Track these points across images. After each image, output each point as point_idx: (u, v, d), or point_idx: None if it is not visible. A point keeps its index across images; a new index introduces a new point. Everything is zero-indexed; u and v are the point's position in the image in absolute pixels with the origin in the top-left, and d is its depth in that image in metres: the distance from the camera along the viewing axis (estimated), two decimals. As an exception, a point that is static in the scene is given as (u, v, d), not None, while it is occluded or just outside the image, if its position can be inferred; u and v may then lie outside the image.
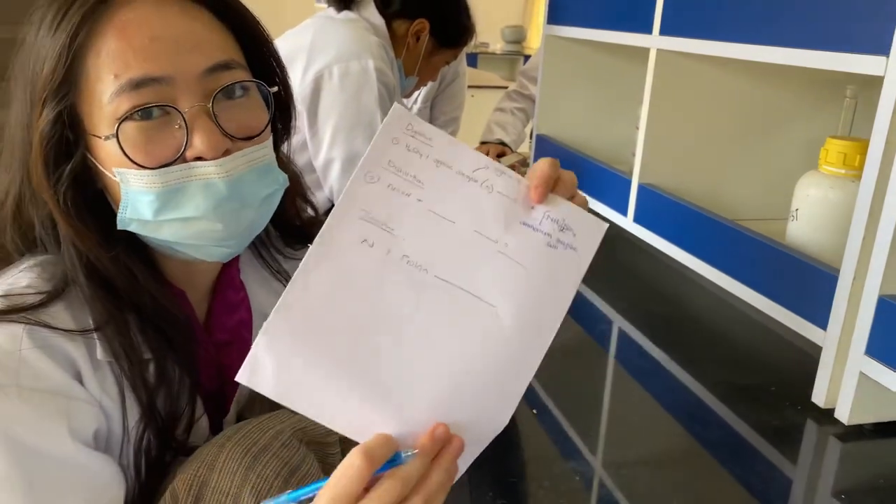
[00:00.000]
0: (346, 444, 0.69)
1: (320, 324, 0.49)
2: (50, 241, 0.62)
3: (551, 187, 0.56)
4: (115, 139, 0.57)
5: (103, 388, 0.60)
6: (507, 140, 2.03)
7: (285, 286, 0.74)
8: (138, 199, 0.60)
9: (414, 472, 0.48)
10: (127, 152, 0.57)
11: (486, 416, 0.51)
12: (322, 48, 1.44)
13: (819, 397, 0.89)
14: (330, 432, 0.66)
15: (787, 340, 1.09)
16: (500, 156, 1.95)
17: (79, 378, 0.59)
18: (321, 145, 1.46)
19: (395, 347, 0.50)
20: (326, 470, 0.66)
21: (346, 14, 1.51)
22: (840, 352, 0.86)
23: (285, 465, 0.60)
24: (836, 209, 1.01)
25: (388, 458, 0.47)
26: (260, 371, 0.48)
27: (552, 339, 0.53)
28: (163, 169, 0.58)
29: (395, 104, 0.55)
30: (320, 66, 1.42)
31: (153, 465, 0.64)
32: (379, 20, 1.51)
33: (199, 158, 0.59)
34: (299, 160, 1.51)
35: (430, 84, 1.88)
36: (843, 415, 0.86)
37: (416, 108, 2.08)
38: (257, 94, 0.64)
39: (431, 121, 2.13)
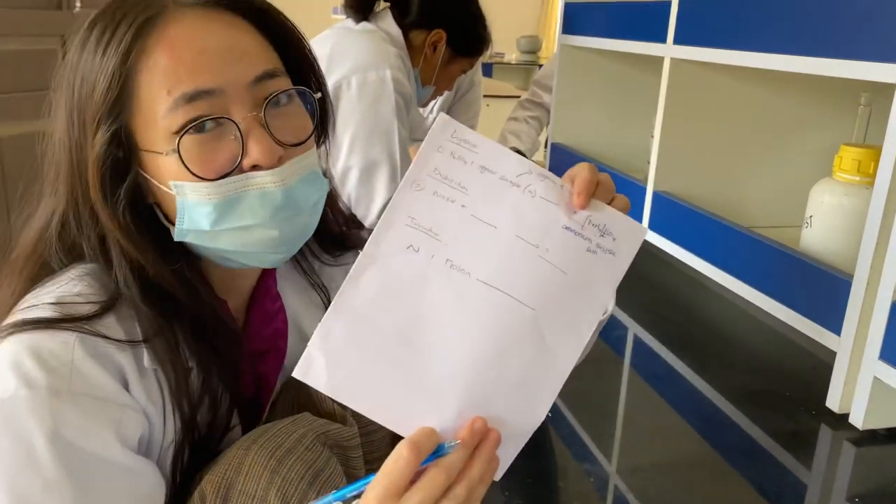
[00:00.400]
0: (368, 449, 0.70)
1: (369, 324, 0.52)
2: (97, 260, 0.63)
3: (593, 192, 0.57)
4: (176, 153, 0.58)
5: (148, 396, 0.61)
6: (521, 148, 2.05)
7: (320, 296, 0.75)
8: (195, 211, 0.61)
9: (457, 461, 0.50)
10: (187, 165, 0.58)
11: (522, 412, 0.53)
12: (341, 59, 1.46)
13: (833, 402, 0.90)
14: (352, 437, 0.67)
15: (800, 346, 1.10)
16: (515, 164, 1.96)
17: (126, 385, 0.60)
18: (339, 154, 1.48)
19: (437, 346, 0.52)
20: (349, 473, 0.66)
21: (364, 25, 1.54)
22: (854, 357, 0.86)
23: (310, 468, 0.61)
24: (851, 216, 1.02)
25: (432, 451, 0.49)
26: (314, 367, 0.52)
27: (585, 342, 0.54)
28: (221, 180, 0.60)
29: (441, 114, 0.57)
30: (339, 76, 1.44)
31: (187, 470, 0.65)
32: (396, 31, 1.53)
33: (254, 167, 0.60)
34: (317, 168, 1.53)
35: (445, 93, 1.90)
36: (858, 420, 0.86)
37: (431, 117, 2.10)
38: (300, 102, 0.65)
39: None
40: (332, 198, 0.77)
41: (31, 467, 0.54)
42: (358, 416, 0.71)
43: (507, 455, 0.53)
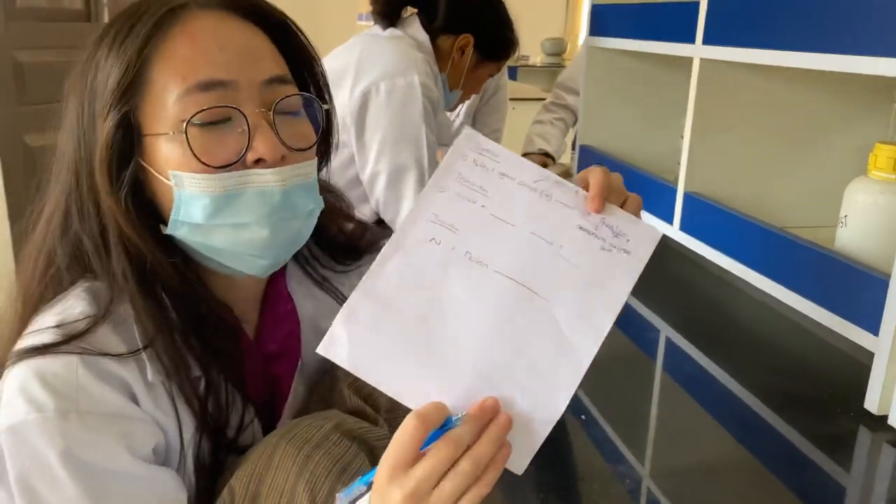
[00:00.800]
0: None
1: (392, 306, 0.56)
2: (99, 254, 0.64)
3: (606, 195, 0.59)
4: (183, 135, 0.59)
5: (157, 405, 0.62)
6: (549, 150, 2.05)
7: (333, 298, 0.76)
8: (192, 203, 0.61)
9: (463, 435, 0.51)
10: (193, 149, 0.60)
11: (541, 402, 0.55)
12: (369, 65, 1.47)
13: (872, 404, 0.88)
14: (382, 437, 0.68)
15: (836, 348, 1.08)
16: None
17: (134, 399, 0.61)
18: (368, 159, 1.49)
19: (454, 330, 0.56)
20: None
21: (391, 31, 1.55)
22: (892, 357, 0.85)
23: (337, 462, 0.62)
24: (887, 215, 1.00)
25: (440, 424, 0.51)
26: (337, 343, 0.55)
27: (604, 336, 0.56)
28: (222, 172, 0.60)
29: (466, 126, 0.60)
30: (367, 82, 1.46)
31: (209, 468, 0.66)
32: (423, 36, 1.55)
33: (257, 162, 0.62)
34: (346, 174, 1.54)
35: (472, 97, 1.91)
36: (897, 422, 0.85)
37: (458, 121, 2.11)
38: (306, 116, 0.67)
39: (474, 134, 2.15)
40: (333, 209, 0.78)
41: (52, 486, 0.56)
42: (392, 420, 0.72)
43: (526, 446, 0.54)
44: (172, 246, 0.65)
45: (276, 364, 0.75)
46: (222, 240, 0.63)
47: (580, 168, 1.68)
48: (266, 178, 0.62)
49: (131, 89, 0.61)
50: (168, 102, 0.60)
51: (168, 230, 0.63)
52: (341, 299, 0.78)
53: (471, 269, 0.57)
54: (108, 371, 0.60)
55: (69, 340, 0.59)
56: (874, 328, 0.87)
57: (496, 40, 1.61)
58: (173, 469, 0.63)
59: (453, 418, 0.52)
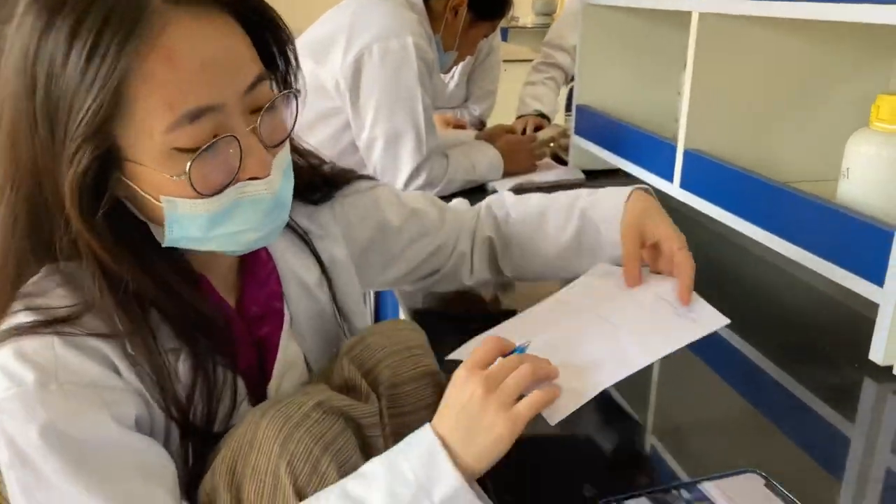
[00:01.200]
0: (399, 430, 0.70)
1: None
2: (72, 255, 0.62)
3: (692, 284, 0.78)
4: (186, 177, 0.58)
5: (141, 380, 0.62)
6: (544, 111, 2.03)
7: (307, 243, 0.81)
8: (188, 221, 0.61)
9: (525, 357, 0.66)
10: (194, 185, 0.58)
11: (582, 378, 0.68)
12: (362, 27, 1.45)
13: (877, 354, 0.89)
14: (370, 415, 0.68)
15: (839, 301, 1.08)
16: (538, 128, 1.95)
17: (116, 370, 0.61)
18: (364, 125, 1.47)
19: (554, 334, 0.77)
20: (366, 451, 0.67)
21: (383, -8, 1.52)
22: (898, 308, 0.85)
23: (319, 440, 0.61)
24: (889, 166, 1.00)
25: (511, 348, 0.67)
26: None
27: (656, 357, 0.71)
28: (217, 195, 0.60)
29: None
30: (361, 45, 1.43)
31: (198, 450, 0.66)
32: (416, -4, 1.52)
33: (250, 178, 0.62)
34: (341, 141, 1.53)
35: (466, 59, 1.88)
36: (903, 372, 0.85)
37: (453, 83, 2.09)
38: (279, 97, 0.65)
39: (468, 96, 2.13)
40: (296, 150, 0.77)
41: (37, 461, 0.56)
42: (393, 398, 0.72)
43: (563, 406, 0.66)
44: (151, 237, 0.64)
45: (261, 325, 0.74)
46: (219, 245, 0.65)
47: (578, 129, 1.66)
48: (259, 189, 0.62)
49: (109, 120, 0.56)
50: (154, 131, 0.57)
51: (165, 244, 0.63)
52: (311, 245, 0.80)
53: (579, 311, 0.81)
54: (86, 345, 0.60)
55: (49, 323, 0.59)
56: (879, 279, 0.87)
57: (490, -1, 1.59)
58: (160, 443, 0.63)
59: (522, 348, 0.69)
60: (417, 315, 1.07)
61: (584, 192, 0.96)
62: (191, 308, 0.65)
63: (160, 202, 0.60)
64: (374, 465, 0.60)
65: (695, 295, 0.77)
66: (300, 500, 0.60)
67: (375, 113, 1.46)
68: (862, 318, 0.97)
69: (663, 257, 0.84)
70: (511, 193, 1.03)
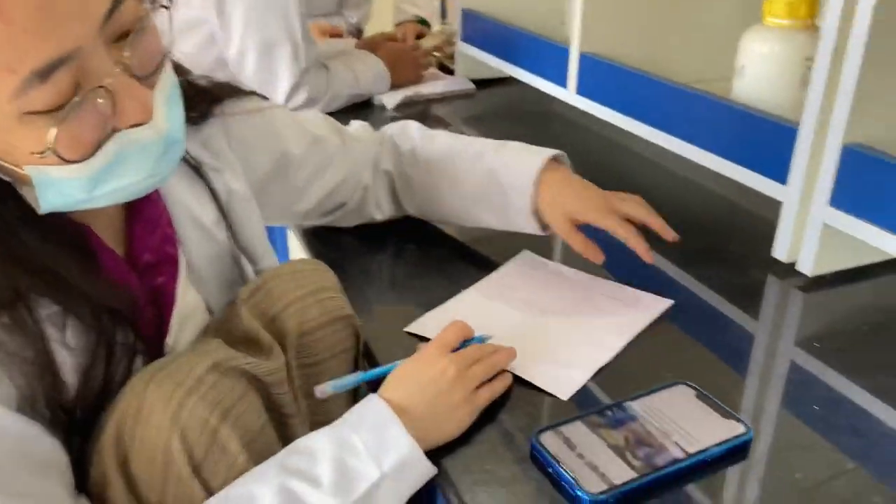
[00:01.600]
0: (306, 381, 0.66)
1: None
2: None
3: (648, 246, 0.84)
4: (52, 153, 0.49)
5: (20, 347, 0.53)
6: (422, 15, 1.93)
7: (203, 177, 0.72)
8: (65, 184, 0.51)
9: (486, 348, 0.70)
10: (62, 155, 0.49)
11: (576, 361, 0.75)
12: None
13: (781, 252, 0.90)
14: (274, 371, 0.62)
15: (739, 204, 1.10)
16: (419, 36, 1.85)
17: None
18: (231, 36, 1.33)
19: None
20: (272, 408, 0.62)
21: None
22: (802, 205, 0.86)
23: (216, 408, 0.55)
24: (785, 62, 1.00)
25: (473, 334, 0.71)
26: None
27: (626, 341, 0.77)
28: (94, 156, 0.51)
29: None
30: (223, -57, 1.27)
31: (89, 418, 0.58)
32: None
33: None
34: (208, 56, 1.38)
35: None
36: (807, 267, 0.87)
37: (325, -10, 1.93)
38: (147, 13, 0.55)
39: (343, 1, 1.97)
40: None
41: None
42: (303, 348, 0.65)
43: (570, 381, 0.71)
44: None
45: (155, 273, 0.66)
46: (109, 200, 0.55)
47: (464, 35, 1.58)
48: (144, 135, 0.53)
49: None
50: (0, 97, 0.47)
51: (42, 212, 0.53)
52: (216, 194, 0.72)
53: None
54: None
55: None
56: (781, 177, 0.88)
57: None
58: (47, 424, 0.55)
59: (483, 337, 0.72)
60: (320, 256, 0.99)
61: (490, 144, 0.92)
62: (78, 281, 0.56)
63: (22, 170, 0.51)
64: (317, 438, 0.58)
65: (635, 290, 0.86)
66: (198, 476, 0.54)
67: (245, 23, 1.32)
68: (763, 219, 0.98)
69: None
70: (417, 125, 0.97)
